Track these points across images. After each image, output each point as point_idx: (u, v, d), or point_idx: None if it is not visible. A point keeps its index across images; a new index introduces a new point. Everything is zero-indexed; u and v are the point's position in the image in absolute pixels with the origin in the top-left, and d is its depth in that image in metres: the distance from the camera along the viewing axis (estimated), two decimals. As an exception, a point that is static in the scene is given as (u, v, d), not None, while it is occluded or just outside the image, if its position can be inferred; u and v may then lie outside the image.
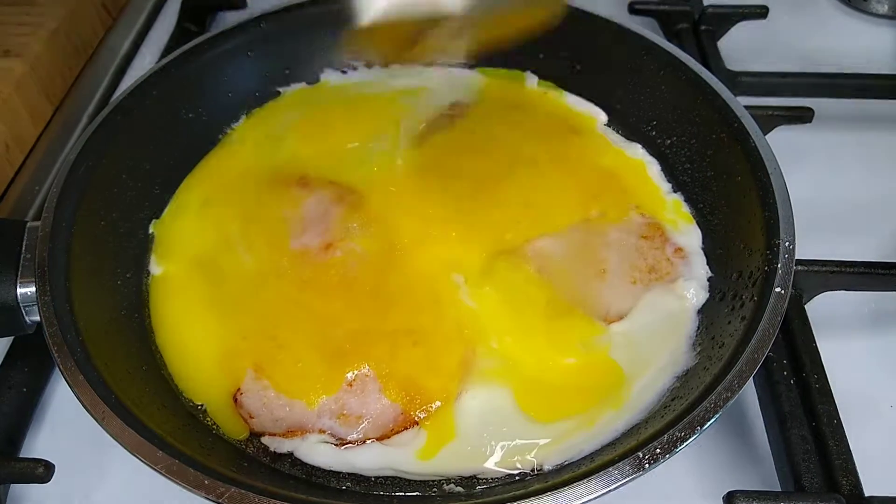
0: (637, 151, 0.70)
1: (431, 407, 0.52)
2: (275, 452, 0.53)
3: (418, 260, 0.60)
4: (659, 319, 0.57)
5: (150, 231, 0.65)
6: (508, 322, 0.56)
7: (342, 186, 0.66)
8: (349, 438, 0.52)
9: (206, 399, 0.55)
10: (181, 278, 0.62)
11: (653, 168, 0.68)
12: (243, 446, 0.53)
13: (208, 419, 0.54)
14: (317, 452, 0.52)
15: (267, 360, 0.55)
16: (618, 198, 0.65)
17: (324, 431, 0.52)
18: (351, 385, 0.53)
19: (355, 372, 0.54)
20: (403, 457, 0.51)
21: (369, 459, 0.51)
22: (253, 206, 0.65)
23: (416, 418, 0.52)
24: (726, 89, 0.64)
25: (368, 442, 0.52)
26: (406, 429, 0.52)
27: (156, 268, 0.62)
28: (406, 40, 0.71)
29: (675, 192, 0.67)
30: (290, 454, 0.52)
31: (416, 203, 0.64)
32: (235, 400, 0.54)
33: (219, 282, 0.60)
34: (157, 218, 0.66)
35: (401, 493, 0.51)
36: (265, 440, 0.53)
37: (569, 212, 0.64)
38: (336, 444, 0.52)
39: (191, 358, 0.57)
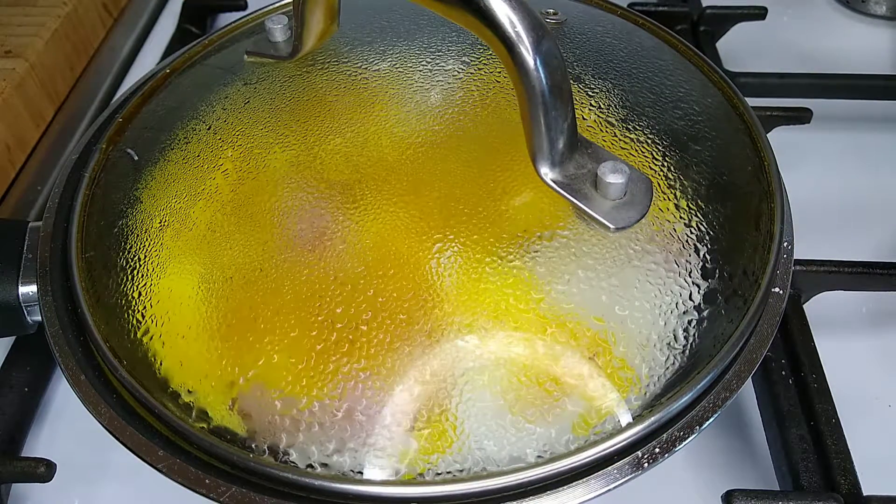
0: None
1: (427, 407, 0.52)
2: (275, 452, 0.53)
3: (414, 256, 0.59)
4: (658, 319, 0.57)
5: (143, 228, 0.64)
6: (508, 321, 0.56)
7: (335, 181, 0.66)
8: (346, 440, 0.52)
9: (202, 399, 0.55)
10: (172, 275, 0.61)
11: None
12: (244, 445, 0.53)
13: (208, 418, 0.54)
14: (313, 454, 0.52)
15: (261, 359, 0.54)
16: None
17: (320, 433, 0.52)
18: (347, 387, 0.53)
19: (350, 372, 0.53)
20: (399, 457, 0.51)
21: (366, 462, 0.51)
22: (247, 203, 0.65)
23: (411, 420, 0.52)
24: (725, 90, 0.64)
25: (365, 444, 0.52)
26: (401, 430, 0.51)
27: (142, 266, 0.62)
28: None
29: (671, 185, 0.67)
30: (289, 455, 0.52)
31: (413, 198, 0.64)
32: (232, 400, 0.53)
33: (210, 279, 0.60)
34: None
35: (400, 494, 0.51)
36: (262, 441, 0.53)
37: (568, 209, 0.64)
38: (333, 447, 0.52)
39: (185, 357, 0.57)
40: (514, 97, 0.52)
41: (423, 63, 0.76)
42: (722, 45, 0.90)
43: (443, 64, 0.74)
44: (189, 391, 0.56)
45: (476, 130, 0.68)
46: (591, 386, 0.54)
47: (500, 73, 0.69)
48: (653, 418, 0.50)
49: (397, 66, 0.75)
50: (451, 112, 0.71)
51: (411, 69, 0.74)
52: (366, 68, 0.77)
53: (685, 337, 0.58)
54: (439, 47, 0.76)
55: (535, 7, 0.47)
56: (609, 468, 0.43)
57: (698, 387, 0.48)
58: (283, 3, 0.76)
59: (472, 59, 0.74)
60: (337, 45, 0.73)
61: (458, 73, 0.74)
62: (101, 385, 0.48)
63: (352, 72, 0.76)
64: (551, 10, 0.70)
